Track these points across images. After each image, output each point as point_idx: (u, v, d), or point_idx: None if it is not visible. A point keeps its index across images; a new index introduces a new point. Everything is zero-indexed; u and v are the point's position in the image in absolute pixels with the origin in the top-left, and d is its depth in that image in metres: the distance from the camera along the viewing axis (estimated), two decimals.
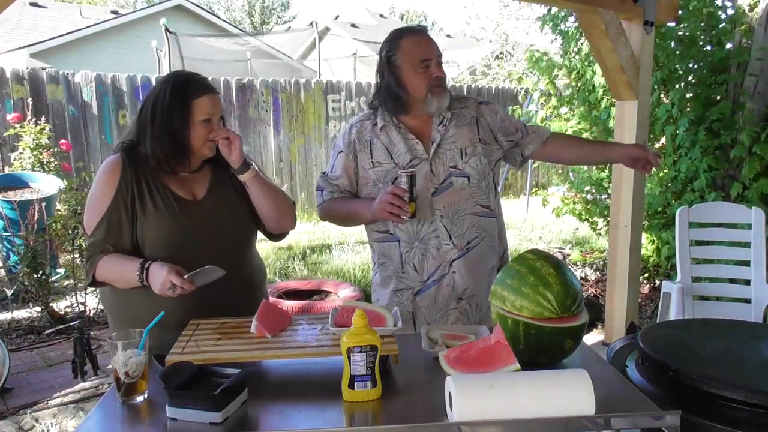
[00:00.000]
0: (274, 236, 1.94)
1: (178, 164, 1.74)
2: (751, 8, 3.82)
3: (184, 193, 1.76)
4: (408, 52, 1.90)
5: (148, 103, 1.72)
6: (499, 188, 2.16)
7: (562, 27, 4.53)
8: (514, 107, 6.28)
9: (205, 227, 1.74)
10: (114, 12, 16.97)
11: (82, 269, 1.75)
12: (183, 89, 1.69)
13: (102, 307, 4.44)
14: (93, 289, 4.52)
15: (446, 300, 1.98)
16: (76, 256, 4.29)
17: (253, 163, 1.80)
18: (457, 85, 11.16)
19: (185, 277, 1.55)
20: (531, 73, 5.41)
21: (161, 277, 1.55)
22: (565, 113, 4.76)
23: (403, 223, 1.90)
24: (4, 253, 4.98)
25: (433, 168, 1.95)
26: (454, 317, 1.99)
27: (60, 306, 4.45)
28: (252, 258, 1.89)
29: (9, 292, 4.46)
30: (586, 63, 4.41)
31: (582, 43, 4.46)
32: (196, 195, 1.78)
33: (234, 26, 17.32)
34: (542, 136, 2.09)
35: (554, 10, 4.54)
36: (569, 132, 4.66)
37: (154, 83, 7.21)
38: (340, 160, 2.02)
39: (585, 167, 4.68)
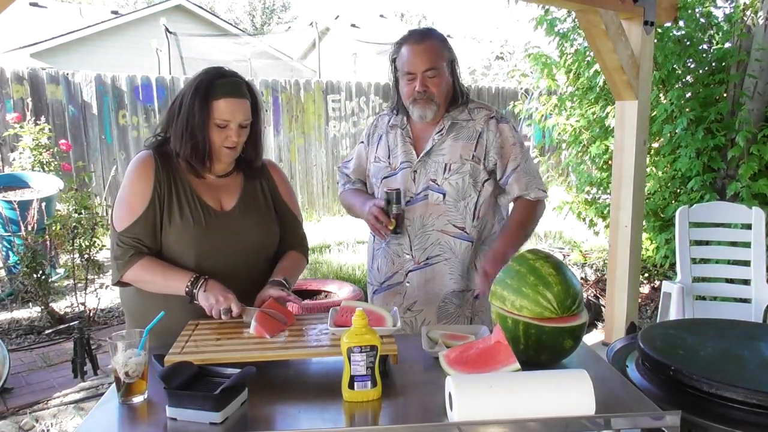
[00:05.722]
0: None
1: (199, 164, 1.68)
2: (746, 7, 3.82)
3: (212, 201, 1.71)
4: (401, 60, 1.93)
5: (179, 95, 1.67)
6: (495, 217, 2.02)
7: (558, 29, 4.51)
8: (515, 103, 6.28)
9: (228, 241, 1.69)
10: (114, 12, 16.97)
11: (114, 266, 1.69)
12: (206, 87, 1.62)
13: (102, 307, 4.45)
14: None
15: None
16: (76, 256, 4.29)
17: (284, 280, 1.71)
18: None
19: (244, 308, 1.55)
20: (531, 72, 5.42)
21: (222, 295, 1.55)
22: (565, 113, 4.76)
23: (384, 238, 1.96)
24: (4, 253, 4.98)
25: (416, 177, 1.96)
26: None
27: (60, 306, 4.45)
28: (271, 270, 1.81)
29: (6, 293, 4.46)
30: (584, 63, 4.41)
31: (579, 44, 4.46)
32: (224, 205, 1.73)
33: (234, 26, 17.33)
34: (515, 193, 1.95)
35: (551, 12, 4.54)
36: (569, 130, 4.68)
37: (154, 83, 7.26)
38: (358, 150, 2.14)
39: (584, 168, 4.69)
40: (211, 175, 1.73)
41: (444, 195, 1.93)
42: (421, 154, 1.96)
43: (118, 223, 1.65)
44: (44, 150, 5.62)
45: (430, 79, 1.89)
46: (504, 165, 1.95)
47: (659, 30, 3.78)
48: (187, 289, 1.59)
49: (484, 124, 1.96)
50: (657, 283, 4.52)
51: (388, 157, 2.02)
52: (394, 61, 1.98)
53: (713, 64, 3.99)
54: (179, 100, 1.66)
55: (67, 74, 6.69)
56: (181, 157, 1.67)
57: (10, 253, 4.83)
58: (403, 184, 1.95)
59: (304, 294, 4.58)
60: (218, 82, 1.63)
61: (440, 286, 1.96)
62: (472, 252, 1.97)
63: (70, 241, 4.23)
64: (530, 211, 1.96)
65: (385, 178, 2.00)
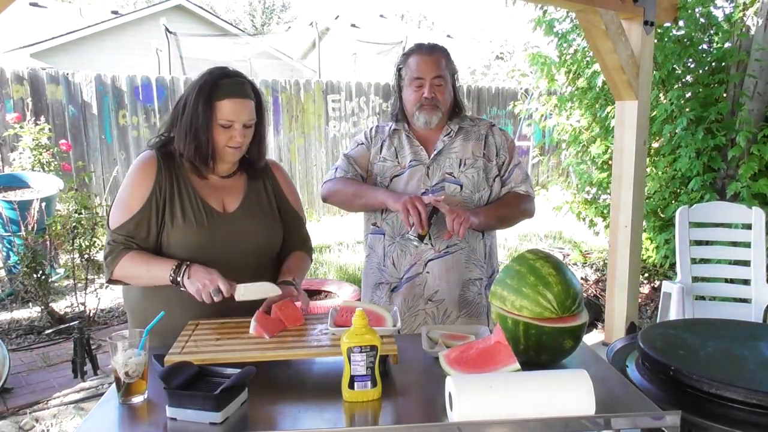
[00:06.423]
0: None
1: (203, 165, 1.67)
2: (746, 7, 3.82)
3: (215, 203, 1.70)
4: (409, 68, 2.03)
5: (183, 95, 1.66)
6: None
7: (557, 29, 4.51)
8: (515, 103, 6.29)
9: (231, 243, 1.68)
10: (114, 12, 16.97)
11: (104, 264, 1.68)
12: (210, 87, 1.61)
13: (102, 307, 4.45)
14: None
15: (416, 299, 2.05)
16: (76, 256, 4.30)
17: (295, 280, 1.71)
18: (457, 85, 11.14)
19: (237, 285, 1.52)
20: (531, 72, 5.42)
21: (207, 277, 1.53)
22: (565, 112, 4.77)
23: (409, 231, 1.91)
24: (4, 253, 4.98)
25: (429, 172, 2.04)
26: (422, 318, 2.04)
27: (60, 306, 4.46)
28: (275, 269, 1.81)
29: (6, 293, 4.46)
30: (584, 63, 4.41)
31: (579, 45, 4.45)
32: (226, 206, 1.72)
33: (234, 26, 17.32)
34: (510, 185, 2.09)
35: (550, 13, 4.54)
36: (569, 130, 4.68)
37: (154, 83, 7.26)
38: (359, 150, 2.16)
39: (584, 167, 4.69)
40: (214, 176, 1.73)
41: (461, 187, 2.02)
42: (433, 153, 2.05)
43: (112, 220, 1.66)
44: (44, 150, 5.62)
45: (437, 87, 2.00)
46: (509, 162, 2.12)
47: (659, 30, 3.78)
48: (171, 278, 1.58)
49: (488, 129, 2.12)
50: (657, 283, 4.52)
51: (396, 157, 2.08)
52: (399, 70, 2.07)
53: (713, 64, 3.99)
54: (183, 100, 1.65)
55: (67, 74, 6.68)
56: (185, 158, 1.67)
57: (10, 253, 4.82)
58: (415, 179, 2.03)
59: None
60: (222, 83, 1.62)
61: (460, 273, 2.04)
62: (486, 242, 2.10)
63: (70, 241, 4.23)
64: (514, 200, 2.09)
65: (394, 176, 2.06)
